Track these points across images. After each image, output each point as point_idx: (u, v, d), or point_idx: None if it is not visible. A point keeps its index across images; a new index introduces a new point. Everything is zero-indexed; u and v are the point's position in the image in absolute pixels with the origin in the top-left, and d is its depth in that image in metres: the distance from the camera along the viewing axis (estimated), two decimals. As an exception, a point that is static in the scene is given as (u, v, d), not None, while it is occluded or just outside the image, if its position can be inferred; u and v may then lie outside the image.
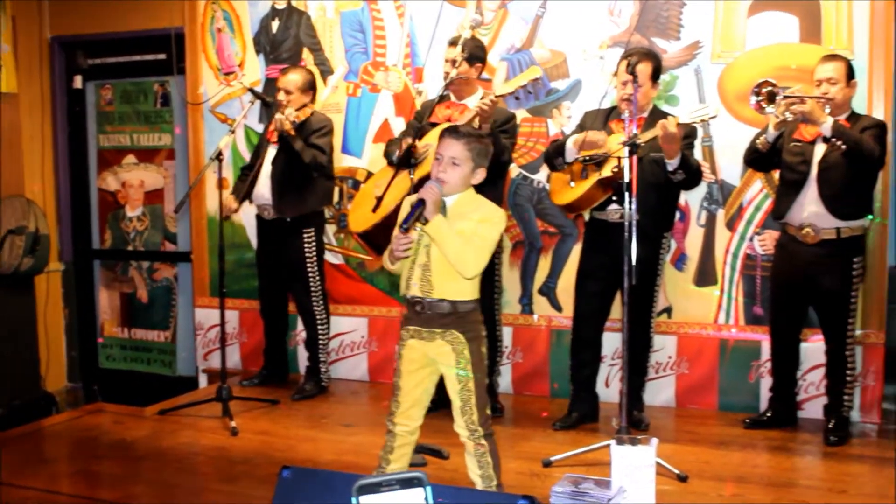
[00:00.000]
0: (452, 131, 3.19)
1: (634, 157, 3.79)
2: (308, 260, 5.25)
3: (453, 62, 4.56)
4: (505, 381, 5.27)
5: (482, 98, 4.38)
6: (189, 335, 6.54)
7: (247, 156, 5.81)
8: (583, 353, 4.62)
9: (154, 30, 6.38)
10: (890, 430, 4.60)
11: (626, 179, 3.79)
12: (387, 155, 4.78)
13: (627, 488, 3.04)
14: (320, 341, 5.35)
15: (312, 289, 5.28)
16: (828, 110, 4.22)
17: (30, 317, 6.54)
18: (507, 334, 5.22)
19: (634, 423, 4.40)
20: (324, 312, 5.35)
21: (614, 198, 4.34)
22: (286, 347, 5.71)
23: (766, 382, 4.75)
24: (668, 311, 5.05)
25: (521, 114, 5.17)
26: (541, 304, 5.31)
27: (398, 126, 5.50)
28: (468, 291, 3.13)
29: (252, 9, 5.95)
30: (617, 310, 4.58)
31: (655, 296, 4.58)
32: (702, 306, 5.00)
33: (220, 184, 4.96)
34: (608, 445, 3.20)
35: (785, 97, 4.21)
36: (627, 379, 3.89)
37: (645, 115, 4.40)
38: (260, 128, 5.84)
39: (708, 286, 4.99)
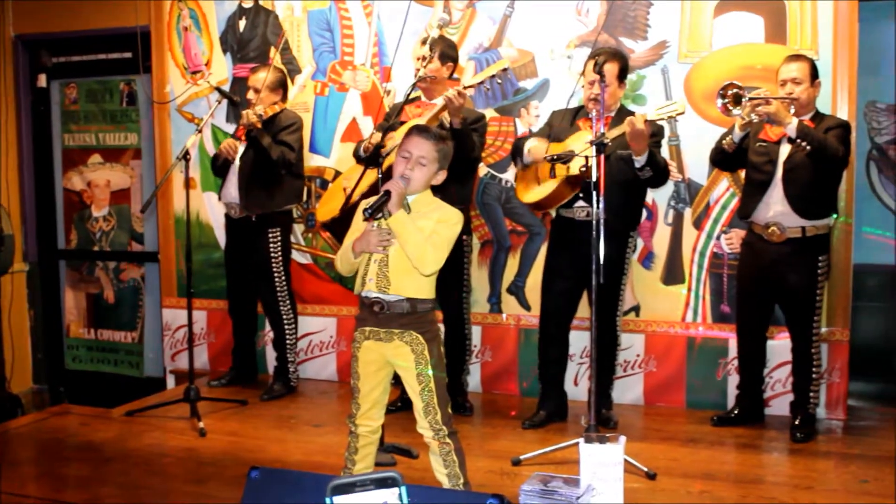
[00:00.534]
0: (423, 130, 3.18)
1: (602, 157, 3.80)
2: (273, 259, 5.22)
3: (423, 59, 4.54)
4: (474, 380, 5.27)
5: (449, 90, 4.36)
6: (156, 336, 6.49)
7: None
8: (550, 351, 4.63)
9: (119, 28, 6.31)
10: (855, 427, 4.65)
11: (594, 178, 3.80)
12: (356, 153, 4.76)
13: (596, 486, 3.05)
14: (287, 341, 5.33)
15: (278, 288, 5.26)
16: (792, 110, 4.26)
17: (-6, 318, 6.47)
18: (475, 333, 5.23)
19: (603, 421, 4.41)
20: (290, 312, 5.32)
21: (581, 195, 4.35)
22: (254, 347, 5.67)
23: (734, 380, 4.79)
24: (636, 309, 5.07)
25: (489, 113, 5.17)
26: (509, 302, 5.32)
27: (366, 125, 5.49)
28: (425, 290, 3.13)
29: (219, 7, 5.91)
30: (584, 308, 4.60)
31: (621, 294, 4.59)
32: (669, 305, 5.03)
33: (188, 183, 4.92)
34: (577, 444, 3.20)
35: (750, 99, 4.24)
36: (596, 377, 3.91)
37: (612, 114, 4.41)
38: (227, 127, 5.82)
39: (676, 285, 5.03)
